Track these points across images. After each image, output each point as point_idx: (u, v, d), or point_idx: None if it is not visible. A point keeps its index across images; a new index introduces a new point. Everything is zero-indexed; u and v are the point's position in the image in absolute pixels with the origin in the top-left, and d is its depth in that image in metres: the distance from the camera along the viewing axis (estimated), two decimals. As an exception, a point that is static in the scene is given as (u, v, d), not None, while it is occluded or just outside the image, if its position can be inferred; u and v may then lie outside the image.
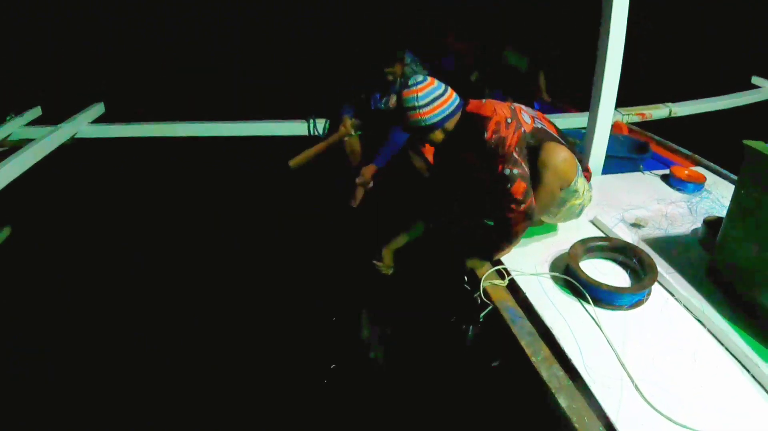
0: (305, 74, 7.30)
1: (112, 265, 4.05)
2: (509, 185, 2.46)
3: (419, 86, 2.54)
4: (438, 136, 2.65)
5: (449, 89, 2.62)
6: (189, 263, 4.01)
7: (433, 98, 2.55)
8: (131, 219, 4.67)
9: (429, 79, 2.58)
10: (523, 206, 2.49)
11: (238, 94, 7.36)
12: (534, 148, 2.56)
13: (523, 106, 2.68)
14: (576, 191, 2.68)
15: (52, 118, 4.73)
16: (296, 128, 4.76)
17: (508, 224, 2.58)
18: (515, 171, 2.45)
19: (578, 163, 2.68)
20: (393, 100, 4.19)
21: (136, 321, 3.45)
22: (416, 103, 2.53)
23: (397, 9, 7.99)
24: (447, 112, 2.58)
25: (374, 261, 3.18)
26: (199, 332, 3.31)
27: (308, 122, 4.70)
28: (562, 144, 2.62)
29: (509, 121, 2.49)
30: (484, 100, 2.62)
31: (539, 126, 2.63)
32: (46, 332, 3.40)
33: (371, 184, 4.26)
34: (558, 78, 5.79)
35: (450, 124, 2.62)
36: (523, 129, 2.52)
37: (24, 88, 6.50)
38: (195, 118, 4.84)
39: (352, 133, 4.41)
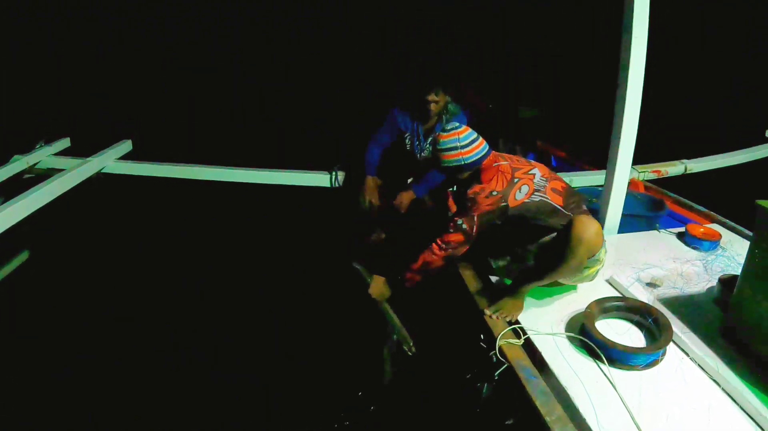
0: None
1: (120, 291, 4.15)
2: (451, 230, 2.81)
3: (459, 129, 2.84)
4: (465, 176, 2.89)
5: (481, 138, 2.89)
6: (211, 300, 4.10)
7: (472, 140, 2.82)
8: (144, 249, 4.77)
9: (464, 126, 2.87)
10: (445, 251, 2.86)
11: (263, 137, 7.43)
12: (536, 214, 2.78)
13: (538, 177, 2.81)
14: (598, 260, 2.78)
15: (80, 150, 4.87)
16: (319, 179, 4.85)
17: (425, 254, 2.92)
18: (464, 226, 2.77)
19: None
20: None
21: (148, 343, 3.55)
22: (458, 143, 2.80)
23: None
24: (481, 154, 2.83)
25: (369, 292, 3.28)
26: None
27: (331, 174, 4.77)
28: (585, 214, 2.77)
29: (494, 193, 2.73)
30: (497, 163, 2.82)
31: (537, 199, 2.75)
32: (52, 348, 3.50)
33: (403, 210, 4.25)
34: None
35: (478, 167, 2.86)
36: (505, 204, 2.72)
37: (55, 119, 6.70)
38: (221, 159, 4.95)
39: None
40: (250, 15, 9.69)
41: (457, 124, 2.86)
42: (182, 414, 3.01)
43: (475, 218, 2.73)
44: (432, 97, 4.06)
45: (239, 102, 9.06)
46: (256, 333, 3.65)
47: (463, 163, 2.82)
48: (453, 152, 2.82)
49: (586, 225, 2.58)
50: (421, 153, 4.33)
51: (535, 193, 2.75)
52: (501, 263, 3.18)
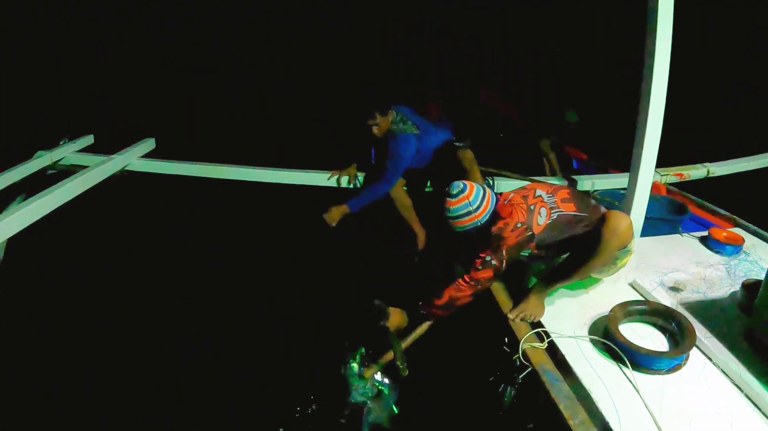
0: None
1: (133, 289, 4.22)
2: (479, 268, 2.77)
3: (466, 191, 2.83)
4: (480, 231, 2.88)
5: (482, 185, 2.93)
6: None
7: (481, 198, 2.84)
8: (158, 247, 4.87)
9: (468, 183, 2.87)
10: (473, 288, 2.81)
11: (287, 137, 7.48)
12: (558, 229, 2.82)
13: (545, 196, 2.88)
14: (629, 251, 2.87)
15: (103, 147, 4.93)
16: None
17: (451, 290, 2.85)
18: (493, 262, 2.74)
19: None
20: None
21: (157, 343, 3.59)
22: (470, 208, 2.82)
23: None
24: (493, 207, 2.87)
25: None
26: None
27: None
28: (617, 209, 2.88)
29: (519, 225, 2.75)
30: (507, 200, 2.90)
31: (555, 216, 2.81)
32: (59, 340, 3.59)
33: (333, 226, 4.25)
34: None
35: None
36: (531, 233, 2.76)
37: (79, 115, 6.79)
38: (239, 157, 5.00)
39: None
40: (266, 19, 9.76)
41: (462, 186, 2.85)
42: (182, 413, 3.05)
43: (504, 253, 2.74)
44: (371, 121, 4.13)
45: (262, 104, 9.12)
46: (262, 332, 3.68)
47: (479, 224, 2.85)
48: (467, 218, 2.84)
49: (619, 219, 2.64)
50: None
51: (552, 212, 2.82)
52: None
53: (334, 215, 4.14)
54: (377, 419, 2.85)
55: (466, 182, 2.87)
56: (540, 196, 2.86)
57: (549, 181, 3.11)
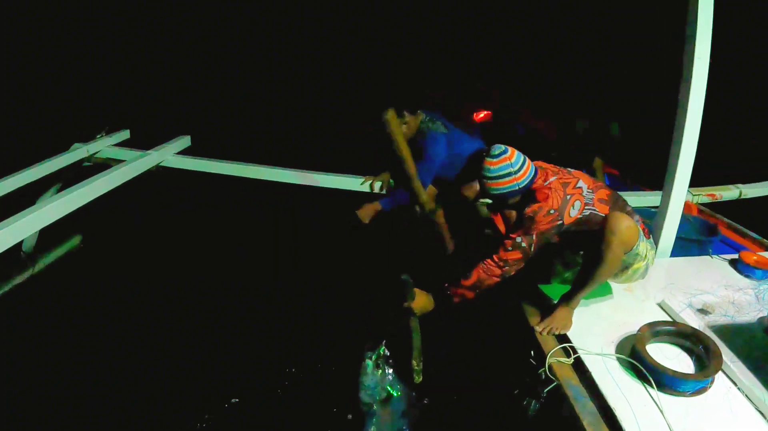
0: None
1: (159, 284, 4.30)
2: (509, 248, 2.85)
3: (508, 153, 2.82)
4: (517, 199, 2.91)
5: (526, 156, 2.89)
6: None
7: (522, 163, 2.83)
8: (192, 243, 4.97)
9: (509, 147, 2.85)
10: (502, 269, 2.89)
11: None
12: (585, 226, 2.85)
13: (585, 190, 2.87)
14: (638, 254, 2.88)
15: (138, 142, 5.05)
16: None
17: (479, 271, 2.93)
18: (523, 243, 2.82)
19: (641, 229, 2.86)
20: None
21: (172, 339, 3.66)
22: (511, 169, 2.80)
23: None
24: (532, 175, 2.86)
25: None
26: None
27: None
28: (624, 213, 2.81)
29: (552, 212, 2.76)
30: (548, 181, 2.85)
31: (587, 213, 2.84)
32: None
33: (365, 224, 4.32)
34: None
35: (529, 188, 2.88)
36: (561, 222, 2.78)
37: (116, 111, 6.92)
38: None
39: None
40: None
41: (503, 148, 2.84)
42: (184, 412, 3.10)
43: (534, 237, 2.79)
44: (400, 120, 4.17)
45: (299, 105, 9.20)
46: (277, 330, 3.78)
47: (517, 187, 2.84)
48: (506, 179, 2.82)
49: (617, 219, 2.67)
50: None
51: (586, 207, 2.84)
52: (567, 275, 3.24)
53: (367, 211, 4.23)
54: (380, 428, 2.88)
55: (507, 146, 2.87)
56: (580, 187, 2.85)
57: (595, 178, 3.08)
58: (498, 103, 6.98)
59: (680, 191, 3.57)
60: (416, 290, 3.20)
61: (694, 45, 3.20)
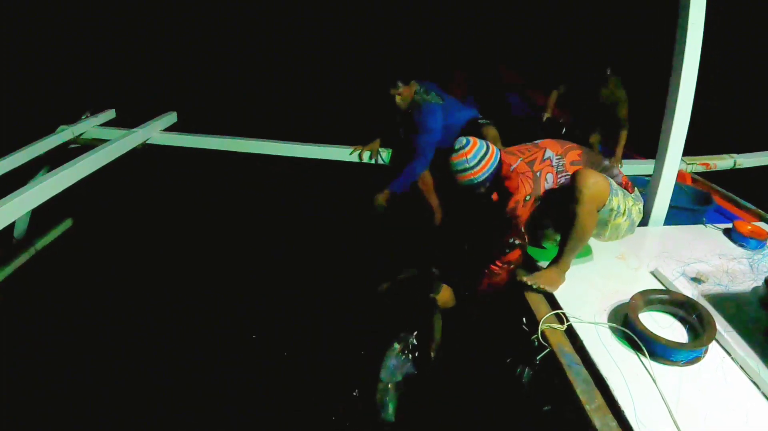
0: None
1: (151, 265, 4.32)
2: (507, 251, 2.94)
3: (467, 148, 2.90)
4: (483, 190, 2.98)
5: (490, 146, 2.96)
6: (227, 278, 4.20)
7: (480, 157, 2.90)
8: (180, 222, 4.96)
9: (472, 140, 2.93)
10: (508, 269, 3.00)
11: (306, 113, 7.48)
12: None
13: (554, 159, 2.92)
14: (613, 209, 2.85)
15: (124, 121, 4.98)
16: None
17: (487, 278, 3.05)
18: (517, 242, 2.92)
19: (613, 183, 2.86)
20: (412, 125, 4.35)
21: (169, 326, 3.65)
22: (467, 165, 2.90)
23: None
24: (492, 168, 2.92)
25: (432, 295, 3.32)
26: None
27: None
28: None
29: (528, 198, 2.84)
30: (513, 167, 2.92)
31: (563, 180, 2.89)
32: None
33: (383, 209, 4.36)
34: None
35: (494, 178, 2.97)
36: (537, 196, 2.87)
37: (101, 90, 6.83)
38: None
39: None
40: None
41: (465, 142, 2.93)
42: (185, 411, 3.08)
43: (523, 229, 2.86)
44: (393, 90, 4.18)
45: (284, 78, 9.12)
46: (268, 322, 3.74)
47: (475, 182, 2.94)
48: (464, 173, 2.92)
49: (583, 175, 2.67)
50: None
51: (559, 176, 2.89)
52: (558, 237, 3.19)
53: (381, 200, 4.25)
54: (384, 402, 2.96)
55: (471, 138, 2.95)
56: (548, 158, 2.90)
57: (562, 140, 3.06)
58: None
59: (673, 159, 3.54)
60: (443, 285, 3.34)
61: (689, 12, 3.15)
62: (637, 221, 3.08)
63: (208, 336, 3.49)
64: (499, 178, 2.94)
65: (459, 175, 2.94)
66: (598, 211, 2.78)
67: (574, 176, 2.71)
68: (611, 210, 2.84)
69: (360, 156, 4.65)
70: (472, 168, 2.90)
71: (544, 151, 2.92)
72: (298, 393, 3.13)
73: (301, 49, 9.87)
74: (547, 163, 2.88)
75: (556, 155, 2.92)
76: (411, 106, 4.23)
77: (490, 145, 2.99)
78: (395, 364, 3.03)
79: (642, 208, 3.10)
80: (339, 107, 7.51)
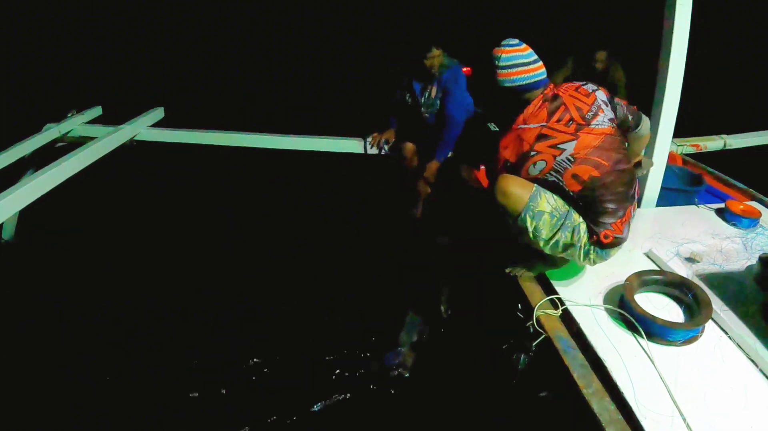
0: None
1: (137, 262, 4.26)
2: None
3: (522, 46, 2.59)
4: (510, 98, 2.62)
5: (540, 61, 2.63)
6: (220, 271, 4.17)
7: (535, 59, 2.60)
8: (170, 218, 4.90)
9: (524, 44, 2.61)
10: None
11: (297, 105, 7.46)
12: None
13: (565, 150, 2.46)
14: (534, 216, 2.51)
15: (111, 118, 4.94)
16: (351, 146, 4.84)
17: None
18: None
19: (535, 187, 2.53)
20: (434, 91, 4.33)
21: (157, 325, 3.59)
22: (523, 60, 2.57)
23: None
24: (541, 77, 2.60)
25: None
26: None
27: (364, 140, 4.77)
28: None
29: (507, 164, 2.56)
30: (525, 125, 2.52)
31: (551, 179, 2.53)
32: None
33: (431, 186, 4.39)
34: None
35: (529, 95, 2.60)
36: (505, 170, 2.59)
37: (86, 87, 6.78)
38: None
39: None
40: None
41: (517, 41, 2.59)
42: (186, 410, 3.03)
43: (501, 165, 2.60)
44: (429, 55, 4.15)
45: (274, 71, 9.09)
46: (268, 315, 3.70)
47: (526, 82, 2.55)
48: (518, 69, 2.54)
49: (494, 187, 2.55)
50: (428, 109, 4.42)
51: (551, 173, 2.51)
52: None
53: (431, 173, 4.30)
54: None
55: (524, 43, 2.62)
56: (562, 149, 2.45)
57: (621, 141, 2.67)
58: None
59: (664, 141, 3.53)
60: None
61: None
62: (596, 262, 2.71)
63: (207, 336, 3.45)
64: (520, 102, 2.59)
65: (510, 71, 2.53)
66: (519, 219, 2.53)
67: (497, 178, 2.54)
68: (533, 216, 2.50)
69: (378, 143, 4.66)
70: (529, 65, 2.54)
71: (575, 140, 2.45)
72: (299, 393, 3.10)
73: (290, 43, 9.80)
74: (555, 153, 2.47)
75: (573, 154, 2.45)
76: (440, 70, 4.25)
77: (541, 62, 2.64)
78: (414, 322, 3.25)
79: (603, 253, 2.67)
80: (333, 101, 7.50)
